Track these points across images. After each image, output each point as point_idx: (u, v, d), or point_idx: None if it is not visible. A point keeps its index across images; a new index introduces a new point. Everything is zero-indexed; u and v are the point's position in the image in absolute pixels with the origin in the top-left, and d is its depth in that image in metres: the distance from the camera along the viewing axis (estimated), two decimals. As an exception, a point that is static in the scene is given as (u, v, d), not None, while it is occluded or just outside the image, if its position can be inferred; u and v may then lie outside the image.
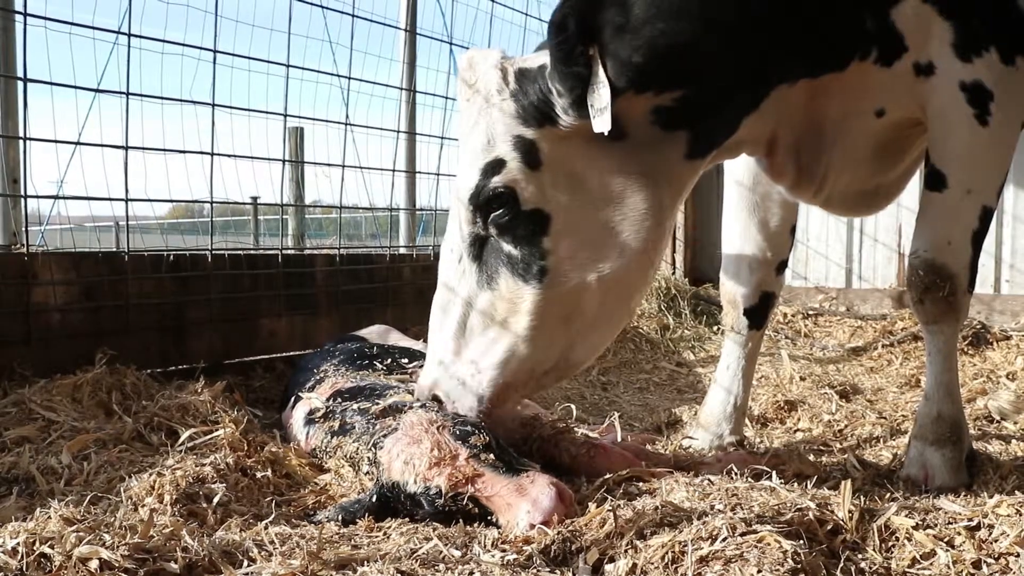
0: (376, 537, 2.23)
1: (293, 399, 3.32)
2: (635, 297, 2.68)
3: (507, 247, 2.53)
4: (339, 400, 3.07)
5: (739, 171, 3.18)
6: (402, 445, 2.41)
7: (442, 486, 2.30)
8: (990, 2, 2.61)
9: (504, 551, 2.02)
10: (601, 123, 2.33)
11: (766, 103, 2.61)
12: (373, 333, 4.17)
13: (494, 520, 2.27)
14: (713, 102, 2.51)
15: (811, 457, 3.05)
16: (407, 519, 2.36)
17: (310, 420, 3.06)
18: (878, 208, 3.26)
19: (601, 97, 2.33)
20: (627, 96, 2.39)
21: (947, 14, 2.58)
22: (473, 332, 2.57)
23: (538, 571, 1.95)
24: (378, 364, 3.47)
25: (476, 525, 2.27)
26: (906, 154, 3.00)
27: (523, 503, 2.23)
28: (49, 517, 2.06)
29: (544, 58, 2.43)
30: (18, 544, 1.87)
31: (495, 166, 2.48)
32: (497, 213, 2.49)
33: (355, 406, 2.95)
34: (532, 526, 2.15)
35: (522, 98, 2.46)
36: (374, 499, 2.40)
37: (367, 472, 2.65)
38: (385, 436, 2.55)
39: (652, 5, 2.37)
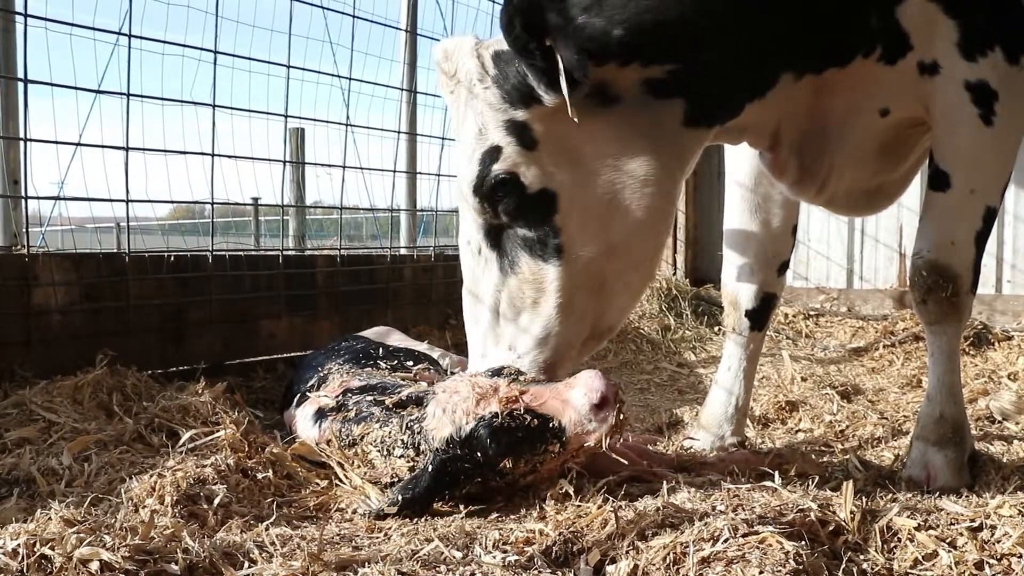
0: (377, 538, 2.23)
1: (298, 397, 3.31)
2: (651, 261, 2.67)
3: (522, 231, 2.53)
4: (350, 395, 3.06)
5: (740, 172, 3.18)
6: (443, 403, 2.46)
7: (495, 410, 2.35)
8: (995, 1, 2.61)
9: (505, 552, 2.01)
10: (570, 112, 2.34)
11: (772, 93, 2.61)
12: (374, 334, 4.17)
13: (556, 426, 2.33)
14: (709, 79, 2.52)
15: (812, 457, 3.04)
16: (469, 482, 2.42)
17: (321, 415, 3.05)
18: (880, 208, 3.26)
19: (563, 89, 2.32)
20: (610, 67, 2.40)
21: (952, 13, 2.57)
22: (507, 318, 2.58)
23: (539, 572, 1.94)
24: (383, 364, 3.47)
25: (541, 448, 2.35)
26: (909, 154, 2.99)
27: (576, 391, 2.33)
28: (50, 518, 2.05)
29: None
30: (19, 545, 1.86)
31: (492, 154, 2.48)
32: (505, 200, 2.49)
33: (369, 398, 2.94)
34: (595, 409, 2.28)
35: (504, 83, 2.45)
36: (430, 468, 2.42)
37: (400, 455, 2.63)
38: (418, 420, 2.57)
39: None
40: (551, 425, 2.35)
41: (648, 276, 2.73)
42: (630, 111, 2.47)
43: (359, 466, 2.74)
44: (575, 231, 2.50)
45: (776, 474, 2.51)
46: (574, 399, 2.34)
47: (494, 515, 2.40)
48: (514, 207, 2.49)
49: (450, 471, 2.42)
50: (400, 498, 2.42)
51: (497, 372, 2.48)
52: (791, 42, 2.58)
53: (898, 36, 2.61)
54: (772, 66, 2.60)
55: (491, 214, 2.53)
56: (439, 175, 5.79)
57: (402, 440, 2.63)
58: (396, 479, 2.59)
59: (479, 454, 2.38)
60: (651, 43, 2.42)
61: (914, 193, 5.00)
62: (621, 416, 2.34)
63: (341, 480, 2.78)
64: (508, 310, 2.58)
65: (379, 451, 2.70)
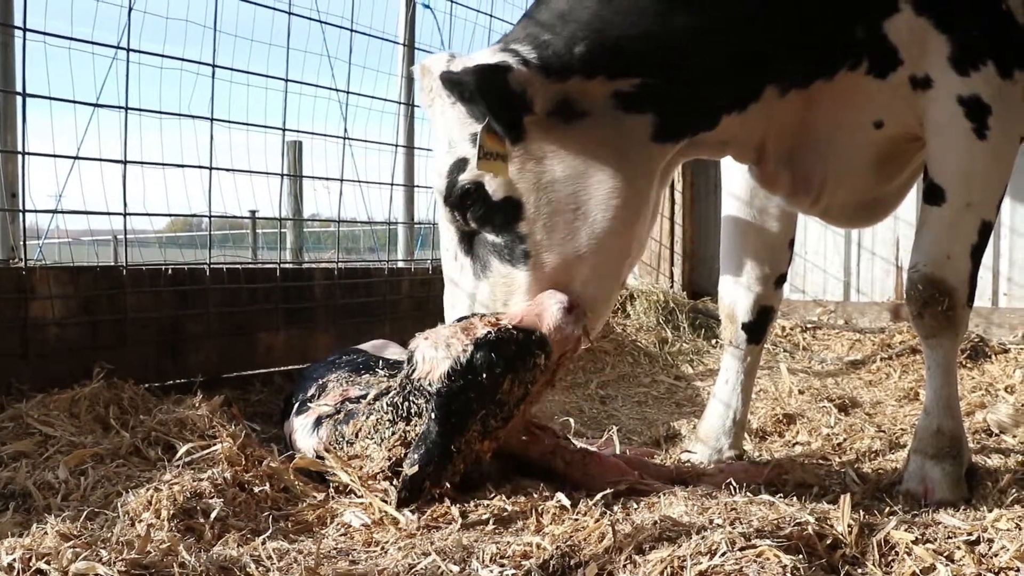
0: (374, 552, 2.22)
1: (298, 406, 3.31)
2: (618, 271, 2.70)
3: (491, 237, 2.63)
4: (348, 404, 3.06)
5: (736, 185, 3.18)
6: (432, 345, 2.56)
7: (486, 330, 2.49)
8: (987, 16, 2.63)
9: (503, 566, 2.01)
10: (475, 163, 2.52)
11: (755, 107, 2.64)
12: (372, 347, 4.16)
13: (539, 336, 2.50)
14: (680, 94, 2.56)
15: (811, 469, 3.04)
16: (474, 421, 2.50)
17: (319, 423, 3.04)
18: (876, 220, 3.27)
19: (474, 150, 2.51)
20: (575, 81, 2.48)
21: (943, 28, 2.59)
22: None
23: (537, 586, 1.94)
24: (382, 373, 3.46)
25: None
26: (905, 166, 3.00)
27: (545, 302, 2.53)
28: (46, 533, 2.05)
29: (490, 56, 2.49)
30: (14, 560, 1.86)
31: (460, 165, 2.59)
32: (472, 208, 2.60)
33: (360, 405, 2.95)
34: (567, 312, 2.49)
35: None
36: (435, 414, 2.47)
37: (391, 431, 2.63)
38: (400, 388, 2.64)
39: (598, 1, 2.48)
40: (534, 336, 2.50)
41: (615, 284, 2.76)
42: (597, 125, 2.54)
43: (360, 466, 2.72)
44: (540, 238, 2.58)
45: (763, 487, 2.52)
46: (547, 309, 2.51)
47: (491, 528, 2.40)
48: (481, 214, 2.61)
49: (454, 409, 2.47)
50: (416, 456, 2.44)
51: (464, 318, 2.60)
52: (770, 56, 2.61)
53: (886, 50, 2.63)
54: (751, 80, 2.63)
55: (462, 221, 2.65)
56: (437, 188, 5.77)
57: (388, 419, 2.65)
58: (392, 460, 2.61)
59: (483, 376, 2.46)
60: (615, 57, 2.49)
61: (911, 206, 5.01)
62: (587, 318, 2.59)
63: (344, 485, 2.75)
64: (482, 311, 2.66)
65: (373, 440, 2.69)
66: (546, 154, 2.54)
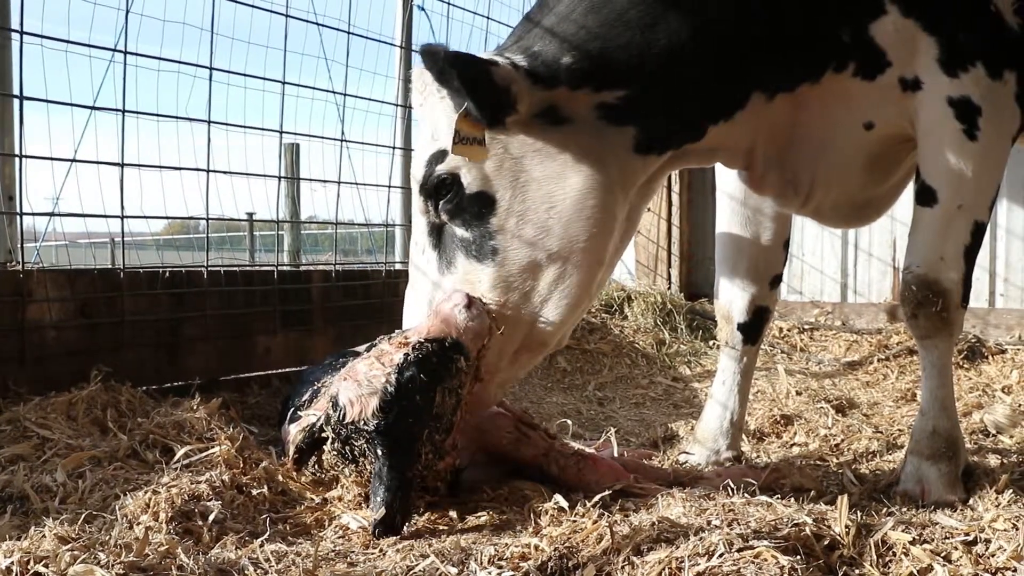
0: (372, 554, 2.23)
1: (291, 413, 3.31)
2: (587, 276, 2.66)
3: (459, 231, 2.64)
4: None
5: (730, 185, 3.19)
6: (353, 386, 2.51)
7: (402, 352, 2.48)
8: (976, 17, 2.64)
9: (501, 568, 2.01)
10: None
11: (742, 114, 2.65)
12: (369, 349, 4.16)
13: (452, 341, 2.49)
14: (663, 107, 2.58)
15: (809, 471, 3.04)
16: (420, 444, 2.46)
17: None
18: (868, 220, 3.28)
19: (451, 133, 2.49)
20: (561, 91, 2.52)
21: (931, 30, 2.60)
22: None
23: (535, 588, 1.94)
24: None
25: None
26: (899, 167, 3.01)
27: (444, 306, 2.55)
28: (43, 535, 2.05)
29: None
30: (12, 563, 1.86)
31: (439, 156, 2.60)
32: (445, 199, 2.61)
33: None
34: (468, 308, 2.51)
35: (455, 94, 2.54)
36: (381, 451, 2.43)
37: (349, 472, 2.62)
38: (336, 434, 2.57)
39: (586, 14, 2.51)
40: (447, 343, 2.49)
41: (584, 291, 2.68)
42: (579, 132, 2.56)
43: (347, 484, 2.71)
44: (511, 234, 2.59)
45: (757, 488, 2.52)
46: (447, 312, 2.53)
47: (489, 530, 2.40)
48: (453, 206, 2.62)
49: (398, 438, 2.43)
50: (379, 499, 2.39)
51: (370, 347, 2.58)
52: (755, 64, 2.62)
53: (873, 52, 2.64)
54: (737, 88, 2.64)
55: (434, 213, 2.66)
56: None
57: (339, 462, 2.62)
58: (363, 495, 2.60)
59: (416, 398, 2.43)
60: (600, 70, 2.51)
61: (907, 207, 5.01)
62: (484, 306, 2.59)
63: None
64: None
65: (339, 472, 2.68)
66: (526, 153, 2.57)
